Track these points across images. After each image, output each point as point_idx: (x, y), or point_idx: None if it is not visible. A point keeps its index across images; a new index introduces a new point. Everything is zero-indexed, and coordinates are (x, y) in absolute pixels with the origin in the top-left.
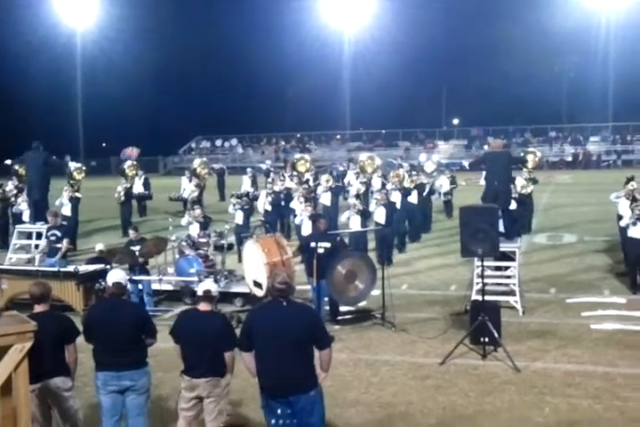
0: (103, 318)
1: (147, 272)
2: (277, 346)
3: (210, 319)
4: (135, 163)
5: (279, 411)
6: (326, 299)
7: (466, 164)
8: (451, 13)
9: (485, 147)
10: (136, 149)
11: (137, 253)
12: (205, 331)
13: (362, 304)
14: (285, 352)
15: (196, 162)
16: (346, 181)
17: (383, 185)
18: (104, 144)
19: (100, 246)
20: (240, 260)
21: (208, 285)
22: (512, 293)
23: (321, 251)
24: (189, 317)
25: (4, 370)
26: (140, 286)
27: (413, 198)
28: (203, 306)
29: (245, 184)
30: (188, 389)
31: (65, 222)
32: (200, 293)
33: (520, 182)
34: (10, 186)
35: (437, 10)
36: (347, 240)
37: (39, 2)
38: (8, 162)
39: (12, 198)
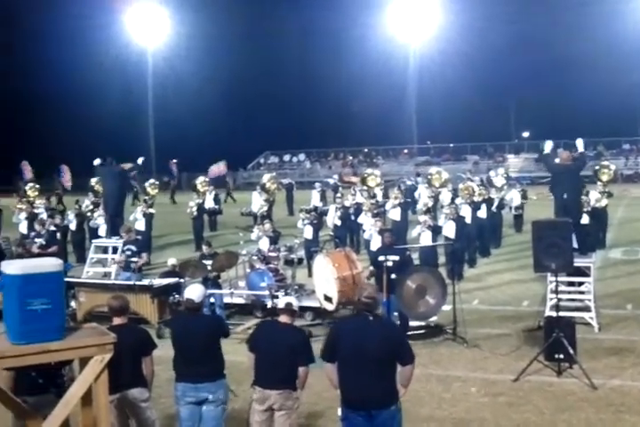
0: (182, 331)
1: (219, 286)
2: (362, 360)
3: (289, 333)
4: (207, 179)
5: (359, 424)
6: (396, 314)
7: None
8: (518, 26)
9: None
10: (222, 164)
11: (209, 267)
12: (283, 344)
13: (432, 319)
14: (369, 366)
15: (266, 177)
16: (416, 194)
17: (452, 199)
18: (175, 160)
19: (172, 261)
20: (310, 274)
21: (290, 298)
22: (587, 309)
23: (389, 264)
24: (269, 328)
25: (84, 381)
26: (213, 300)
27: (483, 213)
28: (283, 318)
29: (314, 199)
30: (259, 401)
31: (139, 237)
32: (282, 305)
33: (594, 196)
34: (86, 202)
35: (504, 22)
36: (416, 255)
37: (111, 23)
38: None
39: (89, 213)
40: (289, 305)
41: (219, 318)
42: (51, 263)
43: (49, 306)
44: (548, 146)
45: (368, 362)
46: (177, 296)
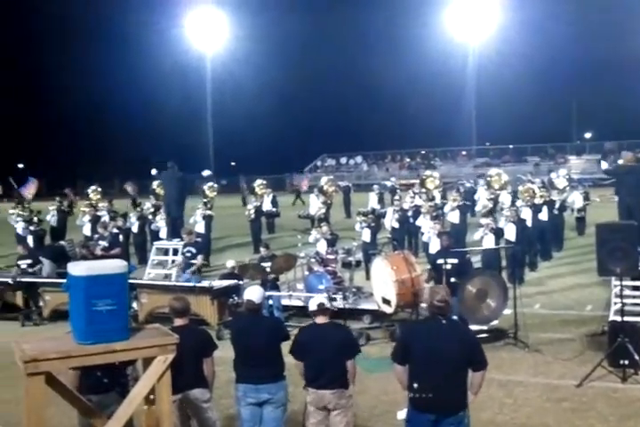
0: (243, 332)
1: (277, 288)
2: (435, 364)
3: (332, 331)
4: (265, 182)
5: (424, 426)
6: (456, 317)
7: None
8: (579, 24)
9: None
10: (306, 179)
11: (268, 270)
12: (329, 343)
13: (493, 323)
14: (442, 370)
15: (323, 179)
16: (475, 197)
17: (513, 202)
18: (233, 163)
19: (231, 263)
20: (368, 277)
21: (319, 298)
22: None
23: (448, 267)
24: (309, 331)
25: (148, 381)
26: (271, 302)
27: (544, 215)
28: (320, 319)
29: (372, 201)
30: (313, 402)
31: (199, 239)
32: (315, 307)
33: None
34: (148, 204)
35: (565, 21)
36: (477, 258)
37: (170, 28)
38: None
39: (150, 216)
40: (321, 305)
41: (278, 320)
42: (116, 265)
43: (114, 307)
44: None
45: (441, 366)
46: (236, 298)
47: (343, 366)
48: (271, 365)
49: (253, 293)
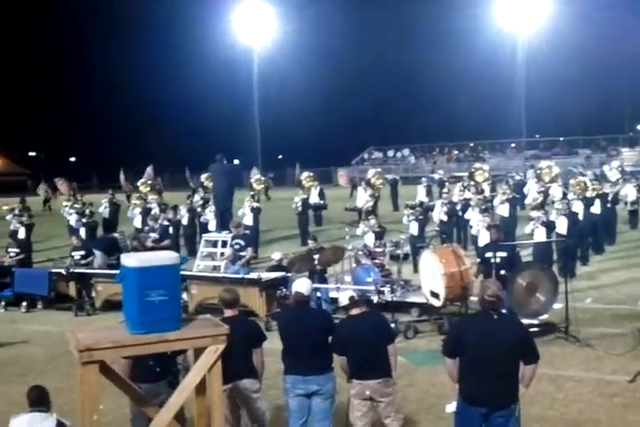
0: (292, 324)
1: (325, 280)
2: (486, 357)
3: (365, 319)
4: (312, 174)
5: (474, 420)
6: (504, 311)
7: None
8: (631, 15)
9: None
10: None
11: (316, 262)
12: (369, 333)
13: (543, 317)
14: (494, 364)
15: (371, 172)
16: (525, 190)
17: (564, 195)
18: (280, 156)
19: (277, 255)
20: (416, 270)
21: (348, 292)
22: None
23: (497, 260)
24: (346, 324)
25: (199, 371)
26: (319, 294)
27: (596, 208)
28: (354, 311)
29: (420, 194)
30: (358, 395)
31: (247, 231)
32: (347, 301)
33: None
34: (197, 197)
35: (617, 12)
36: (528, 252)
37: (217, 22)
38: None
39: (199, 209)
40: (352, 298)
41: (326, 313)
42: (168, 256)
43: (166, 297)
44: None
45: (493, 359)
46: (284, 290)
47: (385, 353)
48: (319, 356)
49: (302, 285)
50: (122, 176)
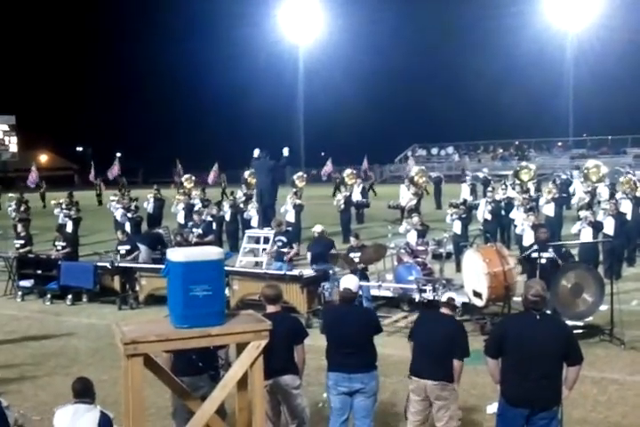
0: (338, 321)
1: (366, 278)
2: (529, 358)
3: (449, 324)
4: (354, 171)
5: (516, 421)
6: (549, 312)
7: None
8: None
9: None
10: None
11: (357, 260)
12: (441, 334)
13: (588, 320)
14: (537, 365)
15: (414, 170)
16: (571, 189)
17: (612, 195)
18: (322, 153)
19: (319, 228)
20: (458, 269)
21: (452, 293)
22: None
23: (543, 261)
24: (429, 318)
25: (241, 366)
26: (360, 292)
27: None
28: (444, 310)
29: (464, 192)
30: (415, 391)
31: (289, 228)
32: (444, 299)
33: None
34: (239, 193)
35: None
36: (575, 252)
37: (263, 19)
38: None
39: (242, 205)
40: (451, 300)
41: (371, 311)
42: (213, 252)
43: (210, 292)
44: None
45: (536, 360)
46: (326, 287)
47: (450, 360)
48: (364, 354)
49: (350, 281)
50: (179, 166)
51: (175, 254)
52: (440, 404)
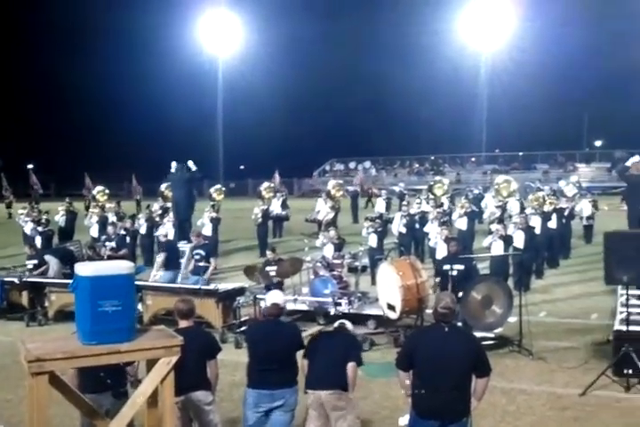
0: (263, 337)
1: (282, 292)
2: (438, 370)
3: (341, 336)
4: (272, 184)
5: None
6: (459, 324)
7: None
8: (592, 34)
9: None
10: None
11: (273, 273)
12: (333, 345)
13: (498, 331)
14: (446, 377)
15: (331, 184)
16: (482, 204)
17: (522, 209)
18: (241, 167)
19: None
20: (374, 282)
21: (343, 320)
22: None
23: (454, 273)
24: (323, 336)
25: (151, 382)
26: None
27: (552, 223)
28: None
29: (379, 206)
30: (313, 405)
31: (207, 242)
32: (336, 325)
33: None
34: (155, 206)
35: (578, 31)
36: (485, 265)
37: (182, 31)
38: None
39: (158, 218)
40: (342, 325)
41: (296, 327)
42: (122, 266)
43: (119, 308)
44: (631, 160)
45: (444, 372)
46: (242, 301)
47: (344, 369)
48: (288, 370)
49: (277, 296)
50: (87, 180)
51: (83, 268)
52: (337, 414)
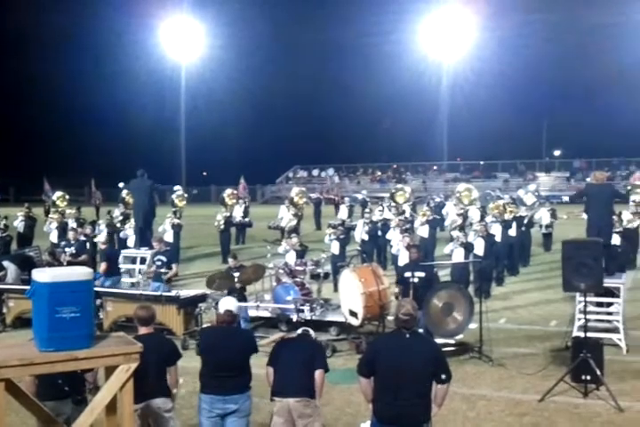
0: (216, 343)
1: (244, 299)
2: (399, 377)
3: (307, 343)
4: (235, 191)
5: None
6: (421, 330)
7: (566, 198)
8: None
9: (588, 179)
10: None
11: (235, 280)
12: (299, 352)
13: (458, 337)
14: (406, 383)
15: (294, 191)
16: (444, 212)
17: (482, 217)
18: (204, 173)
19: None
20: (336, 289)
21: (305, 328)
22: (615, 330)
23: (416, 280)
24: (288, 341)
25: (110, 390)
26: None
27: (512, 231)
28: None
29: (342, 213)
30: (279, 412)
31: (168, 248)
32: (299, 331)
33: (627, 217)
34: (116, 212)
35: (539, 41)
36: (446, 272)
37: (145, 37)
38: (121, 185)
39: (119, 224)
40: (305, 333)
41: (250, 332)
42: (80, 272)
43: (77, 314)
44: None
45: (405, 379)
46: (203, 308)
47: (310, 377)
48: (241, 376)
49: (230, 303)
50: (46, 185)
51: (41, 275)
52: (304, 422)
